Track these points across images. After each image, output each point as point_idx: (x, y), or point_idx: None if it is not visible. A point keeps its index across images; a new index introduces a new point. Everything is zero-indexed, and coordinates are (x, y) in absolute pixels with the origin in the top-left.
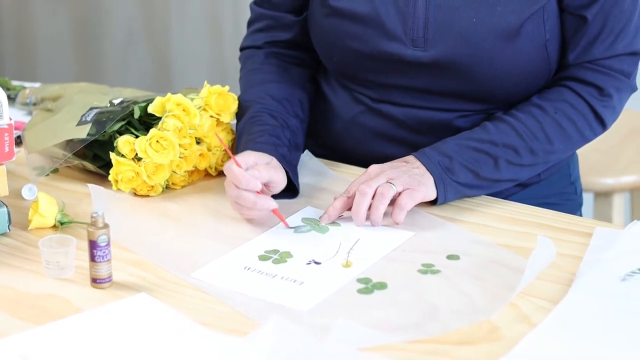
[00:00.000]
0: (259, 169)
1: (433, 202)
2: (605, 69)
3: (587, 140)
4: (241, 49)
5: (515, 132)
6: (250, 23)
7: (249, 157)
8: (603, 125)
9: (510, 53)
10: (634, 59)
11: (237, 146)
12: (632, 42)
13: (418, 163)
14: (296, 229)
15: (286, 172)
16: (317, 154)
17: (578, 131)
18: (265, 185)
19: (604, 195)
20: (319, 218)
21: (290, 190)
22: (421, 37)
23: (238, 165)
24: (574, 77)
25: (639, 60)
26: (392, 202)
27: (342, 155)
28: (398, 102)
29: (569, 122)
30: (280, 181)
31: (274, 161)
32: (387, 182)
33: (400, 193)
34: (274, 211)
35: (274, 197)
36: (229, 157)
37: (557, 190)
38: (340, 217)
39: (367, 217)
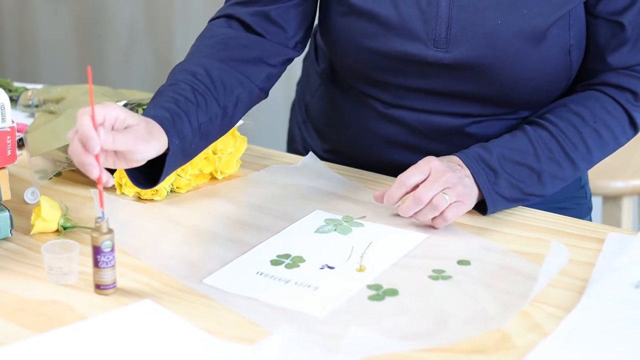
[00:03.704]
0: (116, 135)
1: (482, 211)
2: None
3: (620, 145)
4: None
5: (557, 143)
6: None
7: (112, 111)
8: (636, 130)
9: (534, 57)
10: None
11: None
12: None
13: (468, 172)
14: (318, 229)
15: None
16: (323, 159)
17: (614, 138)
18: (119, 152)
19: (612, 199)
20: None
21: (149, 175)
22: (443, 38)
23: (93, 119)
24: (609, 82)
25: None
26: None
27: (352, 162)
28: (411, 107)
29: (607, 131)
30: (136, 153)
31: (141, 127)
32: (443, 191)
33: (450, 204)
34: (98, 185)
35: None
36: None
37: (568, 195)
38: (362, 217)
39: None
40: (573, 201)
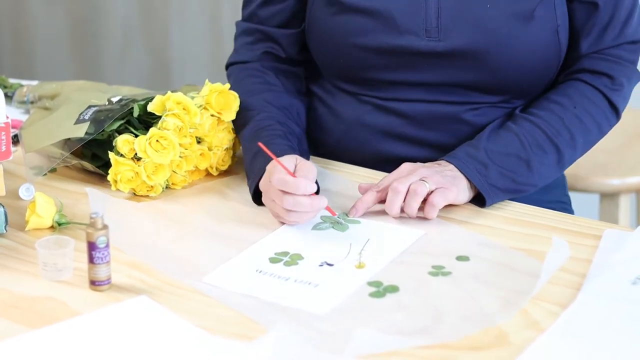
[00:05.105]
0: (305, 171)
1: (480, 204)
2: (615, 58)
3: (603, 133)
4: (229, 65)
5: (540, 130)
6: (237, 38)
7: (289, 162)
8: (617, 115)
9: (525, 38)
10: (637, 47)
11: (244, 150)
12: (637, 29)
13: (451, 166)
14: (315, 226)
15: None
16: (319, 155)
17: (596, 124)
18: None
19: (610, 196)
20: (348, 212)
21: None
22: (434, 27)
23: (291, 174)
24: (586, 69)
25: None
26: (424, 200)
27: (346, 156)
28: (406, 99)
29: (588, 116)
30: (315, 174)
31: (299, 159)
32: (420, 180)
33: (432, 191)
34: (326, 207)
35: None
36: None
37: (555, 198)
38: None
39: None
40: (560, 205)
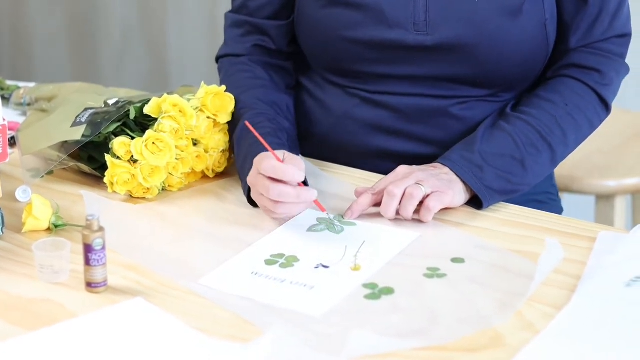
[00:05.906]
0: (293, 161)
1: (477, 207)
2: (604, 52)
3: (594, 128)
4: (219, 57)
5: (534, 129)
6: (226, 30)
7: (279, 154)
8: (607, 110)
9: (513, 32)
10: (626, 41)
11: (236, 152)
12: (625, 23)
13: (447, 169)
14: (310, 228)
15: None
16: (309, 153)
17: (587, 120)
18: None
19: (605, 198)
20: (343, 214)
21: None
22: (423, 21)
23: (279, 159)
24: (574, 63)
25: (629, 42)
26: (420, 203)
27: (327, 156)
28: (394, 92)
29: (579, 113)
30: (303, 167)
31: (287, 153)
32: (416, 183)
33: (428, 195)
34: (314, 201)
35: None
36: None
37: (542, 190)
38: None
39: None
40: (547, 196)
